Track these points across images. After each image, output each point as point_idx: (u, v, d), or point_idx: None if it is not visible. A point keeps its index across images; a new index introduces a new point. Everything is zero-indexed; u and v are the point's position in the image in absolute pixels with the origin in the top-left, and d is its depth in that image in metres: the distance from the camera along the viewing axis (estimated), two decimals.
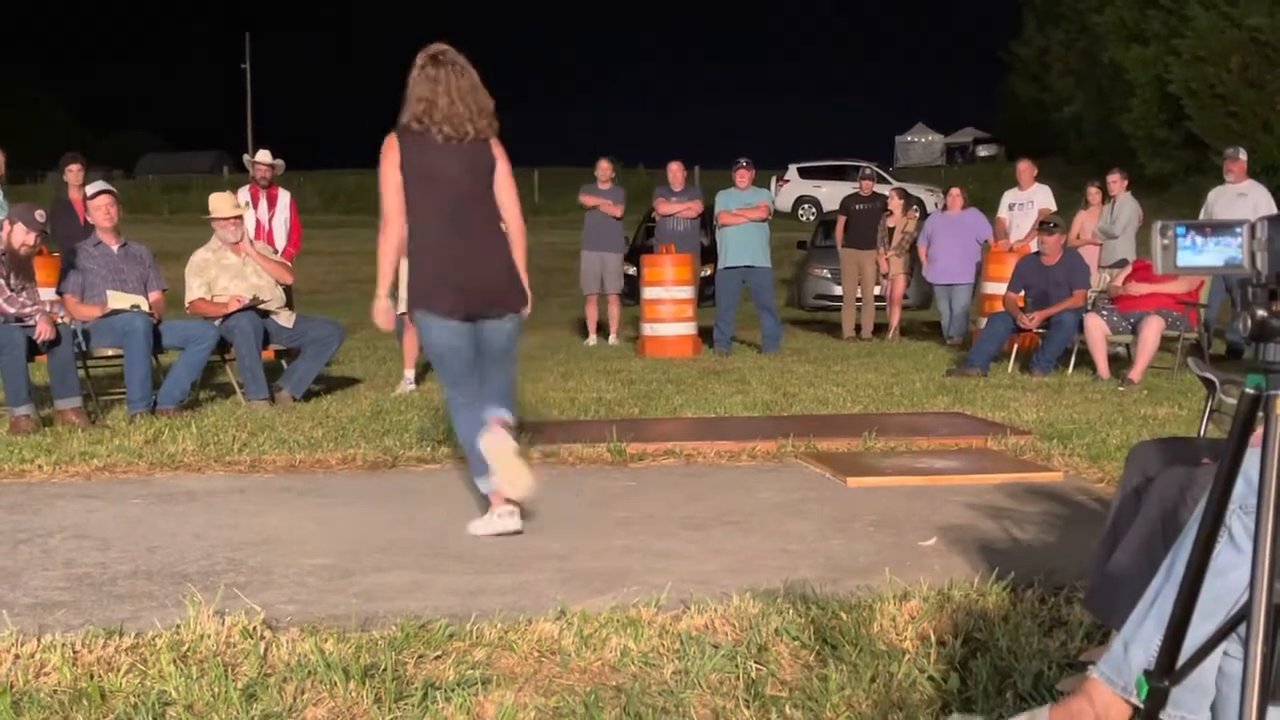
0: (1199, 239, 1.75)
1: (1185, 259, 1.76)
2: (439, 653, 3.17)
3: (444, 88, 4.55)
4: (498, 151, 4.72)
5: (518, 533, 4.62)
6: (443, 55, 4.61)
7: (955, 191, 14.07)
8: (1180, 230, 1.76)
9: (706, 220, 14.07)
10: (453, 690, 2.86)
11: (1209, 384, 3.57)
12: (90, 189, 8.23)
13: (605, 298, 13.34)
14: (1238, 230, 1.75)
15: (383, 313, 4.76)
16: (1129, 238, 12.19)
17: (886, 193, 14.91)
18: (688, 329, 12.18)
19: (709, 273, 14.99)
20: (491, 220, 4.75)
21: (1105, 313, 9.82)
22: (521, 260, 4.83)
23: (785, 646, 3.21)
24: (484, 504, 4.76)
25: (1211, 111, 35.80)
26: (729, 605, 3.49)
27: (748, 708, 2.80)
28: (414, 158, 4.59)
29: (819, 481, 5.69)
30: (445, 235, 4.61)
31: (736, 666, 3.03)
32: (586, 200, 13.16)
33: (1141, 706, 2.22)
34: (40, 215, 7.32)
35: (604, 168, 13.31)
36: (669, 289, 12.06)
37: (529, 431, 6.61)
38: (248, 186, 10.60)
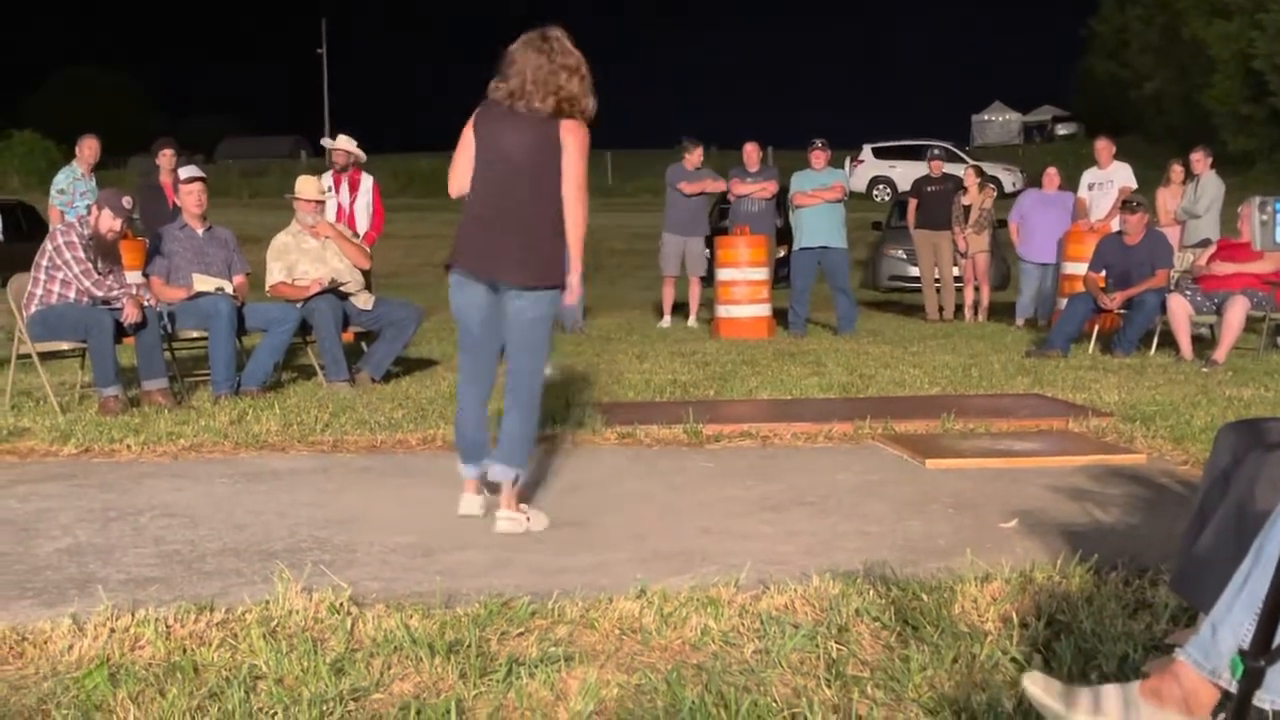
0: None
1: None
2: (521, 630, 3.21)
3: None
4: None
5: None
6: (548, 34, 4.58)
7: (1051, 171, 13.94)
8: None
9: (781, 201, 14.00)
10: (536, 666, 2.89)
11: None
12: (184, 173, 8.37)
13: (685, 279, 13.33)
14: None
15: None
16: (1212, 217, 11.98)
17: (960, 173, 14.77)
18: (763, 310, 12.15)
19: (784, 254, 14.94)
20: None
21: (1189, 293, 9.66)
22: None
23: (866, 627, 3.21)
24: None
25: None
26: (809, 586, 3.50)
27: (829, 687, 2.81)
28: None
29: (897, 463, 5.66)
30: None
31: (817, 646, 3.04)
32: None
33: (1230, 690, 2.20)
34: (127, 201, 7.45)
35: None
36: (744, 270, 12.03)
37: (604, 412, 6.65)
38: (330, 172, 10.68)
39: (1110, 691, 2.39)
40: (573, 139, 4.52)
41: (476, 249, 4.58)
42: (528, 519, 4.51)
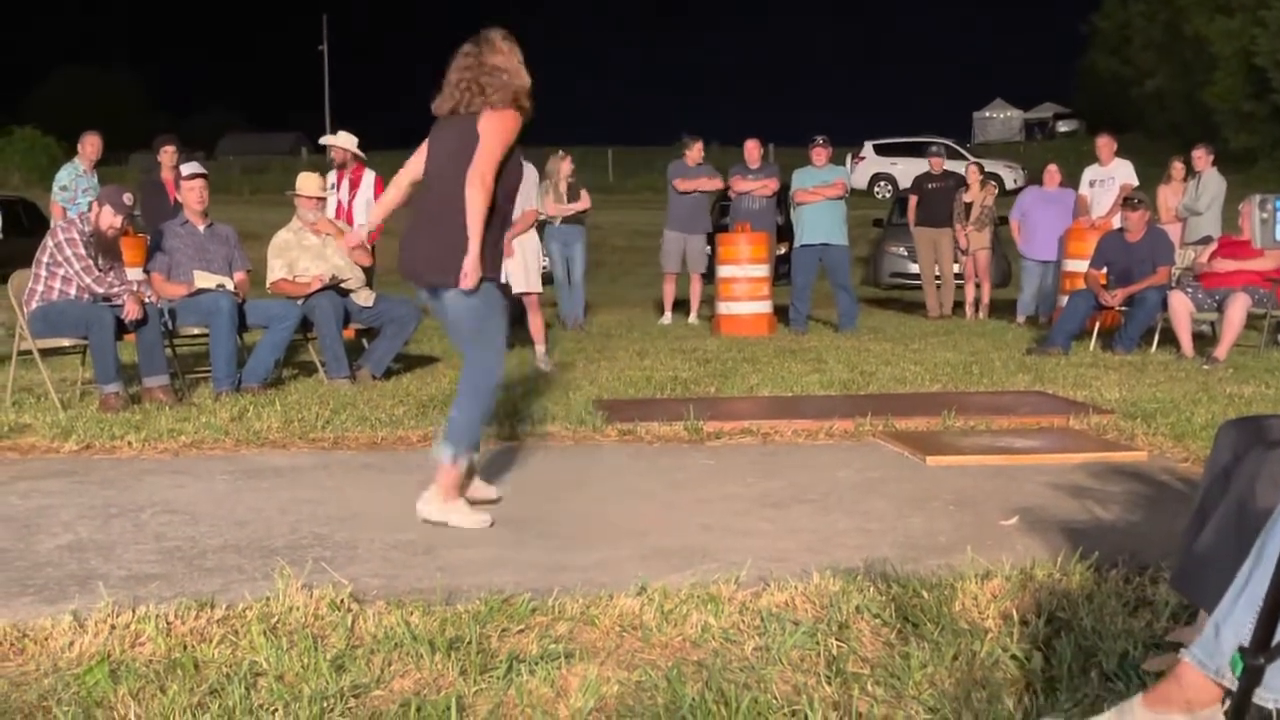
0: None
1: None
2: (522, 626, 3.21)
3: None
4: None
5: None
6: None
7: (1052, 168, 13.94)
8: None
9: (782, 198, 14.00)
10: (536, 663, 2.90)
11: None
12: (186, 169, 8.38)
13: (686, 276, 13.33)
14: None
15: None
16: (1214, 214, 11.98)
17: (961, 170, 14.78)
18: (763, 308, 12.15)
19: (784, 251, 14.95)
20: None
21: (1190, 290, 9.66)
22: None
23: (866, 624, 3.21)
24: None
25: None
26: (809, 583, 3.50)
27: (829, 684, 2.80)
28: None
29: (897, 460, 5.66)
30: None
31: (817, 643, 3.04)
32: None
33: (1232, 689, 2.20)
34: (128, 198, 7.45)
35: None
36: (744, 267, 12.03)
37: (604, 410, 6.65)
38: (335, 170, 10.64)
39: (1108, 716, 2.39)
40: (489, 126, 4.46)
41: (402, 253, 4.67)
42: (453, 512, 4.50)
